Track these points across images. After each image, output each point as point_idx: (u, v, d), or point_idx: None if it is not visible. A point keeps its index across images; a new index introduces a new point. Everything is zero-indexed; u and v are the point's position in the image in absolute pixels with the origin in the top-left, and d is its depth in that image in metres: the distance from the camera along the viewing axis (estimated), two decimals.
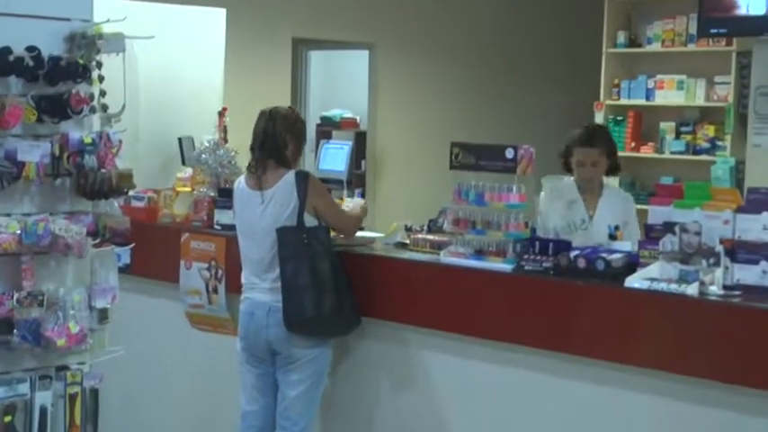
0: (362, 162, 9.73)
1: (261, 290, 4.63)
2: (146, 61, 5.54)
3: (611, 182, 5.51)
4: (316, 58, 9.88)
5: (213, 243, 5.19)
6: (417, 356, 4.57)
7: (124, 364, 4.11)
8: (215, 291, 5.18)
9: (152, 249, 5.25)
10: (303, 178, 4.58)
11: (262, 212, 4.61)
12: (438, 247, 4.67)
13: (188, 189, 5.60)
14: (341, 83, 10.50)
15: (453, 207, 4.57)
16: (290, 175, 4.59)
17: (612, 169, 5.14)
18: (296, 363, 4.58)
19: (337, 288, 4.52)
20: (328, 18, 8.96)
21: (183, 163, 5.99)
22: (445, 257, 4.54)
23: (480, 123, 9.40)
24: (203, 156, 5.56)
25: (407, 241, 4.92)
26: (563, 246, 4.34)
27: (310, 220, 4.57)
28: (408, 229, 5.07)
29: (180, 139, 6.04)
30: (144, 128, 5.79)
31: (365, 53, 9.58)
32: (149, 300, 5.48)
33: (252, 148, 4.72)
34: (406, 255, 4.75)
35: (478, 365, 4.39)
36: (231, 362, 4.87)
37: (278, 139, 4.64)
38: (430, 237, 4.82)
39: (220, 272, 5.15)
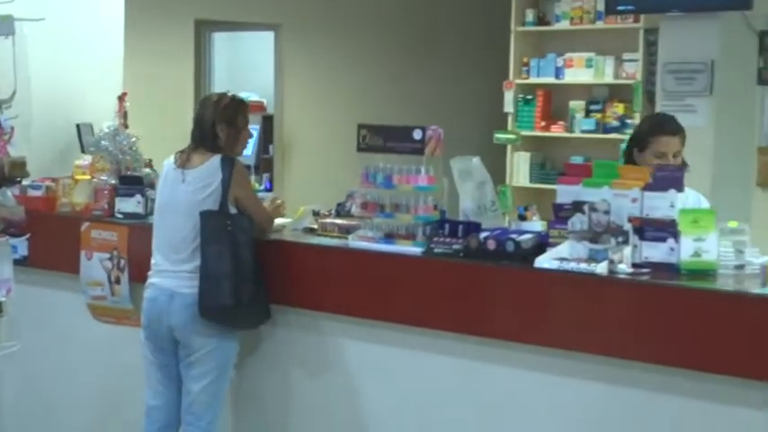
0: (270, 146, 9.68)
1: (167, 273, 4.58)
2: (39, 44, 5.41)
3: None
4: (220, 40, 9.78)
5: (115, 232, 5.12)
6: (329, 343, 4.56)
7: (24, 359, 4.04)
8: (117, 281, 5.11)
9: (51, 240, 5.17)
10: (228, 164, 4.54)
11: (181, 191, 4.57)
12: (346, 231, 4.65)
13: (87, 177, 5.49)
14: (246, 65, 10.43)
15: (361, 190, 4.55)
16: (215, 159, 4.56)
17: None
18: (197, 353, 4.53)
19: (255, 280, 4.50)
20: None
21: (83, 150, 5.88)
22: (354, 242, 4.53)
23: (389, 105, 9.41)
24: (103, 142, 5.46)
25: (315, 226, 4.90)
26: (473, 228, 4.35)
27: (231, 209, 4.54)
28: (316, 214, 5.04)
29: (78, 126, 5.92)
30: (39, 114, 5.65)
31: (270, 34, 9.52)
32: (49, 292, 5.39)
33: (191, 133, 4.71)
34: (315, 240, 4.73)
35: (391, 350, 4.39)
36: (136, 355, 4.81)
37: (205, 126, 4.61)
38: (338, 221, 4.80)
39: (123, 262, 5.08)
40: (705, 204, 4.71)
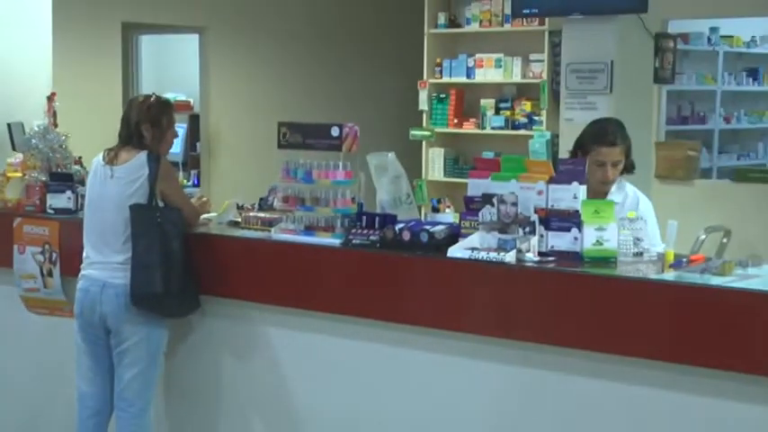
0: (197, 144, 9.60)
1: (98, 266, 4.55)
2: None
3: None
4: (147, 42, 9.66)
5: (47, 227, 5.06)
6: (257, 332, 4.54)
7: None
8: (50, 274, 5.05)
9: None
10: (154, 160, 4.52)
11: (110, 186, 4.54)
12: (269, 224, 4.63)
13: (19, 174, 5.42)
14: (173, 66, 10.31)
15: (282, 185, 4.54)
16: (142, 155, 4.53)
17: (629, 168, 4.69)
18: (128, 342, 4.50)
19: (185, 270, 4.47)
20: (158, 2, 8.79)
21: (14, 148, 5.81)
22: (276, 234, 4.51)
23: (311, 104, 9.40)
24: (33, 141, 5.40)
25: (239, 219, 4.87)
26: (389, 220, 4.35)
27: (159, 203, 4.52)
28: (240, 208, 5.02)
29: (9, 125, 5.86)
30: None
31: (196, 37, 9.43)
32: None
33: (119, 133, 4.67)
34: (239, 233, 4.70)
35: (316, 338, 4.39)
36: (69, 344, 4.75)
37: (130, 126, 4.58)
38: (261, 214, 4.78)
39: (55, 255, 5.02)
40: (645, 202, 4.70)
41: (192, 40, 9.54)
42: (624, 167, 4.64)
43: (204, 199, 5.01)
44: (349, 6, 10.26)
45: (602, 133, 4.61)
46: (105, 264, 4.53)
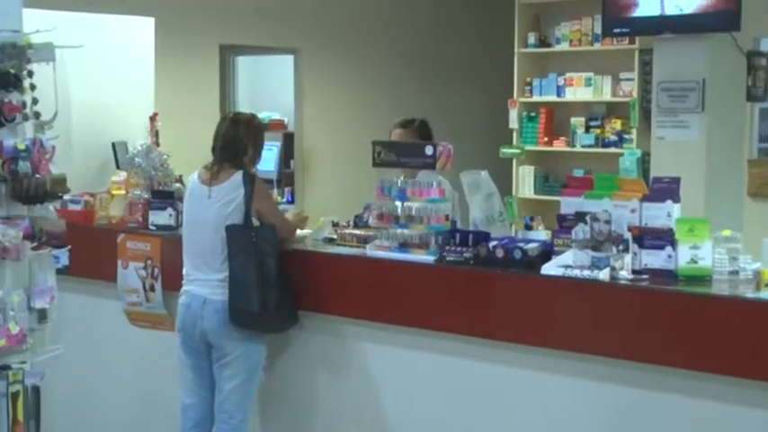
0: (291, 162, 9.68)
1: (199, 282, 4.61)
2: (78, 69, 5.44)
3: None
4: (243, 63, 9.79)
5: (149, 243, 5.14)
6: (351, 347, 4.56)
7: (67, 362, 4.04)
8: (152, 289, 5.12)
9: (90, 251, 5.17)
10: (249, 180, 4.56)
11: (207, 207, 4.59)
12: (364, 241, 4.66)
13: (123, 192, 5.53)
14: (268, 86, 10.42)
15: (377, 203, 4.56)
16: (237, 176, 4.57)
17: None
18: (229, 356, 4.55)
19: (281, 285, 4.50)
20: (254, 24, 8.88)
21: (118, 167, 5.90)
22: (371, 251, 4.53)
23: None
24: (136, 159, 5.49)
25: (335, 236, 4.91)
26: (482, 237, 4.35)
27: (254, 221, 4.56)
28: (335, 225, 5.05)
29: (114, 144, 5.94)
30: (78, 134, 5.69)
31: (290, 58, 9.53)
32: (89, 299, 5.40)
33: (213, 150, 4.70)
34: (334, 249, 4.73)
35: (409, 353, 4.39)
36: (171, 357, 4.82)
37: (238, 144, 4.63)
38: (356, 231, 4.81)
39: (157, 270, 5.10)
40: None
41: (286, 61, 9.63)
42: None
43: (303, 215, 5.06)
44: (441, 27, 10.27)
45: (400, 121, 5.43)
46: (205, 281, 4.58)
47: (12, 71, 3.67)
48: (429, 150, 4.45)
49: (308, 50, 9.35)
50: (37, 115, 3.81)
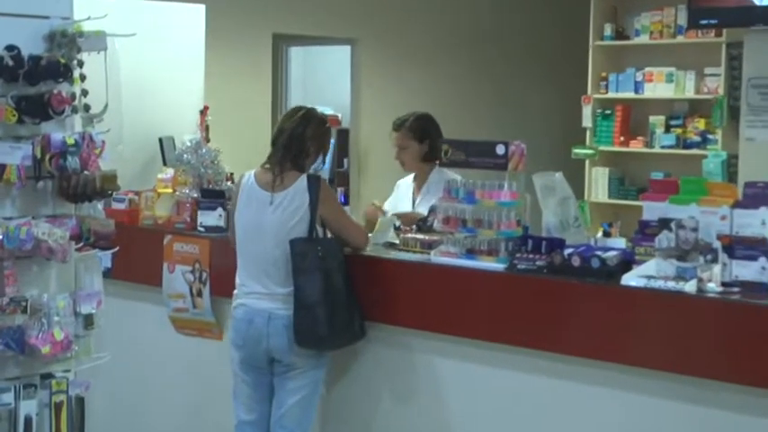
0: (345, 160, 9.72)
1: (260, 296, 4.57)
2: (125, 59, 5.50)
3: None
4: (296, 54, 9.85)
5: (197, 245, 5.18)
6: (417, 360, 4.56)
7: (108, 371, 4.10)
8: (199, 294, 5.16)
9: (134, 253, 5.22)
10: (315, 183, 4.53)
11: (269, 214, 4.55)
12: (428, 246, 4.66)
13: (169, 190, 5.57)
14: (322, 79, 10.48)
15: (443, 205, 4.57)
16: (302, 180, 4.53)
17: (429, 157, 5.49)
18: (294, 370, 4.55)
19: (348, 303, 4.50)
20: (309, 13, 8.93)
21: (165, 163, 5.96)
22: (436, 257, 4.54)
23: (466, 119, 9.38)
24: (185, 156, 5.52)
25: (397, 241, 4.92)
26: (556, 244, 4.34)
27: (319, 230, 4.54)
28: (397, 229, 5.07)
29: (161, 139, 6.01)
30: (125, 128, 5.75)
31: (347, 48, 9.57)
32: (132, 304, 5.45)
33: (273, 143, 4.66)
34: (397, 255, 4.74)
35: (477, 368, 4.39)
36: (219, 366, 4.87)
37: (304, 144, 4.59)
38: (420, 236, 4.82)
39: (205, 275, 5.14)
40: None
41: (342, 52, 9.68)
42: (426, 156, 5.50)
43: (378, 204, 5.07)
44: (509, 17, 10.25)
45: (394, 121, 5.64)
46: (268, 295, 4.55)
47: (62, 61, 3.73)
48: (500, 150, 4.45)
49: (367, 41, 9.38)
50: (86, 108, 3.87)
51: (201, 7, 6.42)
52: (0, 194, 3.70)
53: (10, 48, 3.64)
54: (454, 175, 4.97)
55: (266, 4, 8.68)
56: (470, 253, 4.45)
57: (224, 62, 8.00)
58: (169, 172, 5.71)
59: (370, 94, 9.44)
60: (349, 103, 9.61)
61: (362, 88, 9.45)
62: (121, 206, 5.54)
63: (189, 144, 5.55)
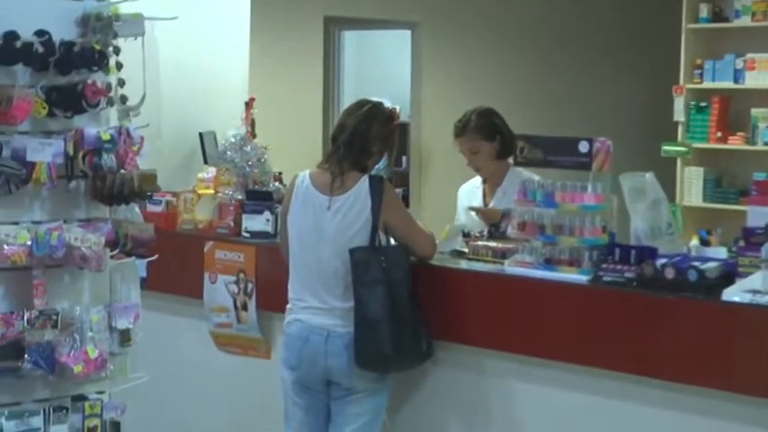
0: (404, 158, 9.74)
1: (316, 311, 4.58)
2: (164, 45, 5.55)
3: None
4: (350, 38, 9.88)
5: (242, 253, 5.21)
6: (489, 382, 4.57)
7: (144, 393, 4.13)
8: (244, 307, 5.19)
9: (171, 260, 5.26)
10: (378, 186, 4.53)
11: (327, 220, 4.56)
12: (502, 255, 4.66)
13: (211, 191, 5.59)
14: (378, 67, 10.52)
15: (518, 209, 4.56)
16: (364, 182, 4.54)
17: (503, 153, 5.51)
18: (355, 394, 4.56)
19: (414, 319, 4.51)
20: None
21: (205, 162, 5.99)
22: (510, 267, 4.54)
23: (540, 112, 9.39)
24: (228, 153, 5.54)
25: (466, 249, 4.93)
26: (648, 253, 4.32)
27: (382, 237, 4.55)
28: (466, 235, 5.07)
29: (201, 135, 6.03)
30: (164, 122, 5.79)
31: (407, 33, 9.59)
32: (169, 318, 5.50)
33: (333, 140, 4.67)
34: (466, 265, 4.74)
35: (552, 391, 4.39)
36: (267, 389, 4.90)
37: (369, 143, 4.60)
38: (492, 244, 4.82)
39: (250, 286, 5.17)
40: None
41: (401, 38, 9.70)
42: (501, 153, 5.50)
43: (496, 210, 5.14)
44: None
45: (455, 125, 5.63)
46: (326, 310, 4.57)
47: (96, 47, 3.77)
48: (584, 147, 4.44)
49: (429, 25, 9.40)
50: (123, 99, 3.91)
51: None
52: (28, 196, 3.76)
53: (40, 33, 3.68)
54: (531, 174, 4.96)
55: None
56: (549, 263, 4.44)
57: (270, 48, 8.04)
58: (210, 171, 5.75)
59: (433, 84, 9.45)
60: (408, 94, 9.63)
61: (424, 78, 9.46)
62: (158, 209, 5.58)
63: (233, 140, 5.57)
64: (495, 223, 5.07)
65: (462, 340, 4.58)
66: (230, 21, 6.34)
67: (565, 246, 4.41)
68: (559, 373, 4.35)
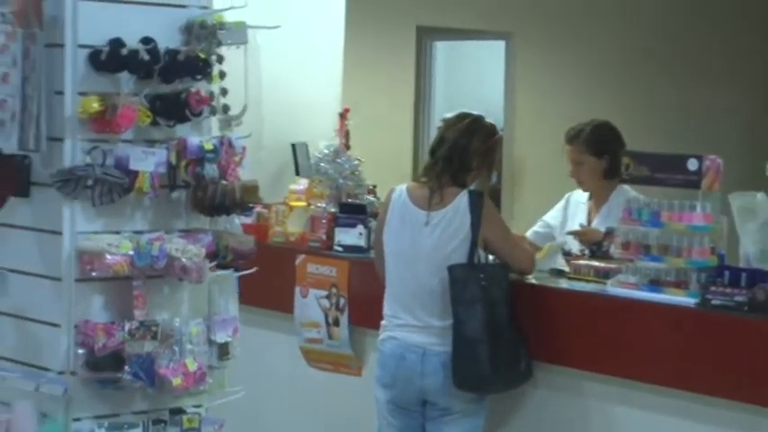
0: (495, 173, 9.71)
1: (412, 328, 4.61)
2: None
3: None
4: (441, 49, 9.90)
5: (334, 267, 5.25)
6: (585, 405, 4.57)
7: (234, 407, 4.16)
8: (336, 323, 5.23)
9: (262, 274, 5.28)
10: (477, 201, 4.56)
11: (426, 236, 4.59)
12: (605, 275, 4.66)
13: (303, 204, 5.64)
14: (468, 78, 10.51)
15: (622, 228, 4.56)
16: (463, 197, 4.57)
17: (608, 174, 5.39)
18: (452, 415, 4.58)
19: (514, 339, 4.53)
20: (458, 4, 8.97)
21: (297, 173, 6.04)
22: (614, 288, 4.53)
23: (641, 127, 9.28)
24: (322, 165, 5.59)
25: (566, 268, 4.92)
26: (759, 276, 4.28)
27: (481, 254, 4.57)
28: (567, 254, 5.07)
29: (293, 146, 6.09)
30: (263, 132, 5.84)
31: (499, 44, 9.58)
32: (258, 332, 5.50)
33: (432, 153, 4.72)
34: (566, 284, 4.74)
35: (658, 418, 4.37)
36: (358, 407, 4.92)
37: (469, 157, 4.63)
38: (594, 263, 4.81)
39: (342, 301, 5.21)
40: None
41: (494, 48, 9.70)
42: (607, 173, 5.37)
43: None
44: (695, 7, 10.09)
45: (567, 131, 5.56)
46: (422, 328, 4.59)
47: (201, 55, 3.82)
48: (692, 165, 4.43)
49: (524, 35, 9.39)
50: (225, 109, 3.96)
51: None
52: (130, 205, 3.82)
53: (146, 40, 3.74)
54: (636, 193, 4.95)
55: None
56: (654, 284, 4.43)
57: (362, 59, 8.07)
58: (303, 183, 5.79)
59: (528, 96, 9.43)
60: (501, 106, 9.63)
61: (518, 90, 9.45)
62: (248, 220, 5.58)
63: (326, 151, 5.61)
64: (597, 242, 5.06)
65: (562, 362, 4.59)
66: (325, 31, 6.40)
67: (671, 267, 4.40)
68: (664, 399, 4.33)
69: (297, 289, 5.35)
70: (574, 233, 5.36)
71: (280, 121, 6.12)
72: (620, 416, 4.49)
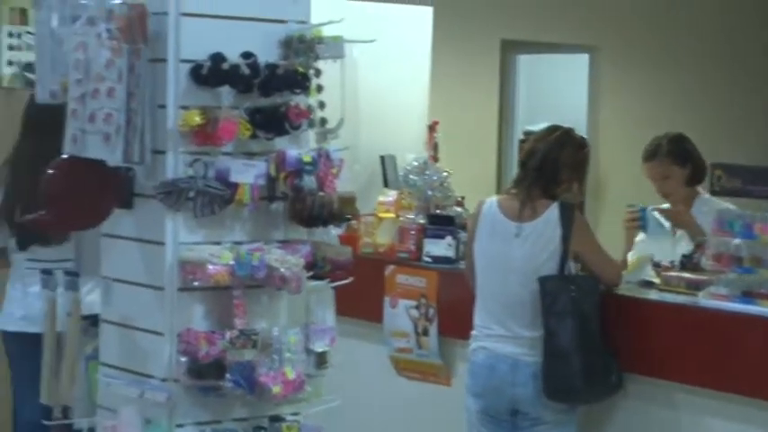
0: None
1: (502, 339, 4.63)
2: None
3: None
4: (524, 62, 9.90)
5: (423, 278, 5.27)
6: (676, 417, 4.55)
7: (326, 415, 4.19)
8: (425, 333, 5.25)
9: (352, 284, 5.34)
10: (568, 213, 4.57)
11: (516, 248, 4.61)
12: (696, 287, 4.63)
13: (392, 215, 5.68)
14: (550, 92, 10.48)
15: (714, 240, 4.54)
16: (553, 209, 4.58)
17: (691, 181, 5.47)
18: (543, 425, 4.59)
19: (605, 351, 4.53)
20: (542, 17, 8.97)
21: (386, 185, 6.08)
22: (705, 300, 4.51)
23: (728, 141, 9.23)
24: (410, 177, 5.62)
25: (656, 279, 4.90)
26: None
27: (571, 266, 4.58)
28: (657, 266, 5.05)
29: (382, 158, 6.13)
30: (355, 145, 5.88)
31: (584, 57, 9.56)
32: (348, 342, 5.51)
33: (523, 165, 4.74)
34: (656, 296, 4.72)
35: (749, 430, 4.34)
36: (447, 416, 4.92)
37: (559, 170, 4.65)
38: (685, 275, 4.79)
39: (432, 311, 5.23)
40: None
41: (578, 62, 9.67)
42: (691, 180, 5.45)
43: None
44: None
45: (645, 149, 5.55)
46: (513, 338, 4.61)
47: (299, 69, 3.87)
48: None
49: (609, 49, 9.35)
50: (323, 122, 4.00)
51: (429, 10, 6.54)
52: (230, 216, 3.87)
53: (246, 55, 3.80)
54: (725, 204, 4.92)
55: (496, 6, 8.78)
56: (747, 296, 4.40)
57: (449, 72, 8.09)
58: (391, 194, 5.83)
59: (612, 110, 9.38)
60: (584, 120, 9.59)
61: (602, 104, 9.41)
62: (338, 231, 5.66)
63: (415, 164, 5.65)
64: (685, 254, 5.04)
65: (653, 373, 4.57)
66: (414, 45, 6.44)
67: (764, 278, 4.36)
68: (757, 412, 4.30)
69: (386, 299, 5.38)
70: (663, 212, 5.33)
71: (370, 134, 6.16)
72: (711, 428, 4.47)
